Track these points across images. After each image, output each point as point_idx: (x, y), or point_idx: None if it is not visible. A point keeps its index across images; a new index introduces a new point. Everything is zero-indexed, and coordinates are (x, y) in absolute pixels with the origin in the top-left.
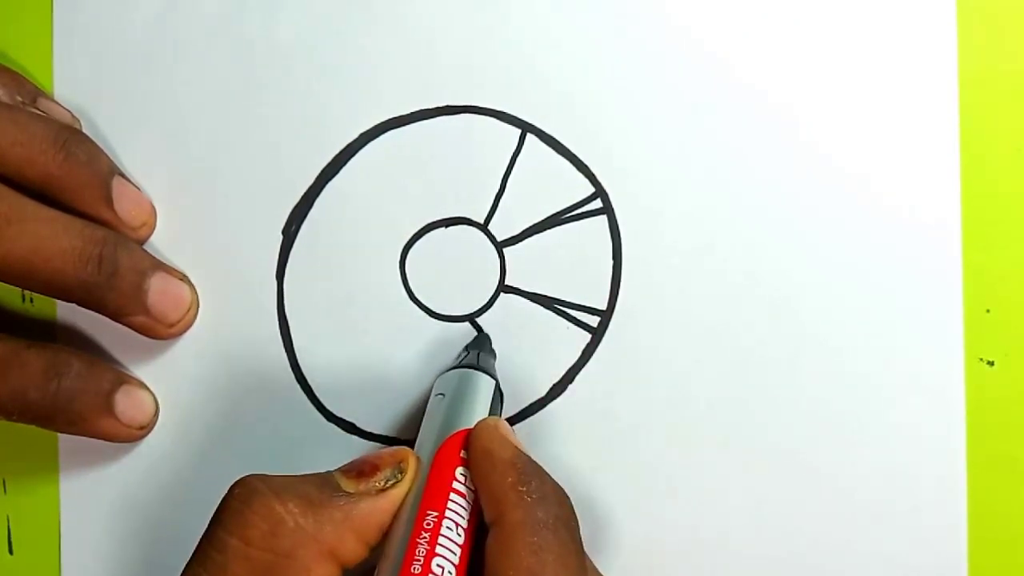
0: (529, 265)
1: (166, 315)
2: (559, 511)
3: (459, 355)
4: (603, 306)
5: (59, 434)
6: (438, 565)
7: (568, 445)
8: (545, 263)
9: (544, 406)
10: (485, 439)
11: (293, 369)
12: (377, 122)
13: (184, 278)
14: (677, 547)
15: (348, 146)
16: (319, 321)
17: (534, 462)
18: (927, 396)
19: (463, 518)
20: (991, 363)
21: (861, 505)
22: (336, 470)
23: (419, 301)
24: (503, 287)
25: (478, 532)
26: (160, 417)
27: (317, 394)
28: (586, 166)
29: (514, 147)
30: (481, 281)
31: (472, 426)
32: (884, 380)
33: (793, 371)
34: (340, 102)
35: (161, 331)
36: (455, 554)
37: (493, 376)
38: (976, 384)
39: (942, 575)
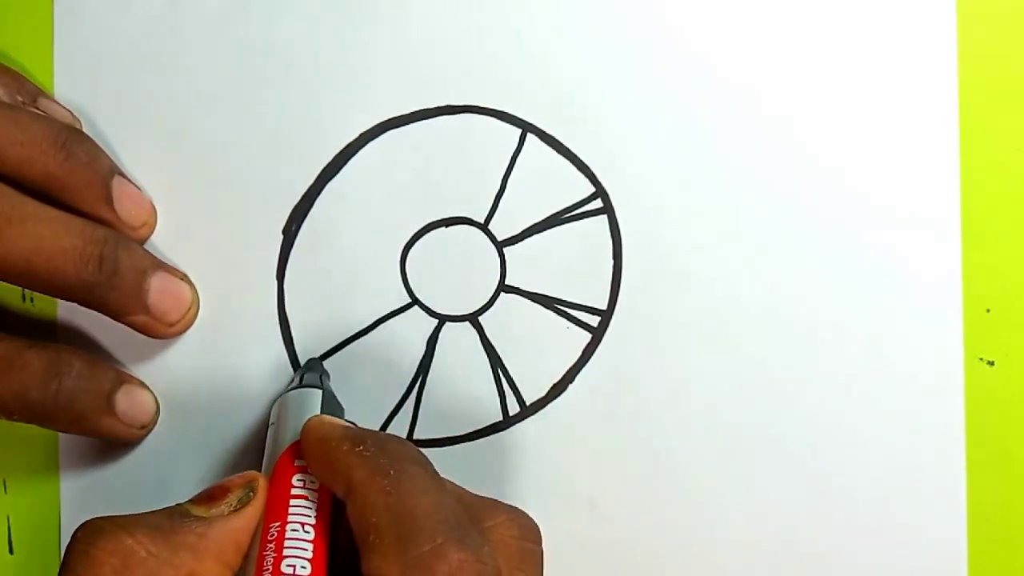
0: (529, 265)
1: (166, 314)
2: (403, 451)
3: (289, 383)
4: (603, 306)
5: (59, 434)
6: (288, 565)
7: (568, 445)
8: (545, 263)
9: (544, 406)
10: (314, 431)
11: (294, 369)
12: (377, 122)
13: (184, 277)
14: (677, 546)
15: (348, 146)
16: (319, 321)
17: (365, 428)
18: (927, 396)
19: (310, 516)
20: (991, 363)
21: (861, 505)
22: (185, 501)
23: (419, 301)
24: (503, 287)
25: (340, 521)
26: (160, 417)
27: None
28: (586, 166)
29: (514, 147)
30: (481, 281)
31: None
32: (884, 380)
33: (793, 371)
34: (340, 102)
35: (161, 330)
36: (307, 551)
37: (321, 387)
38: (976, 384)
39: (942, 575)
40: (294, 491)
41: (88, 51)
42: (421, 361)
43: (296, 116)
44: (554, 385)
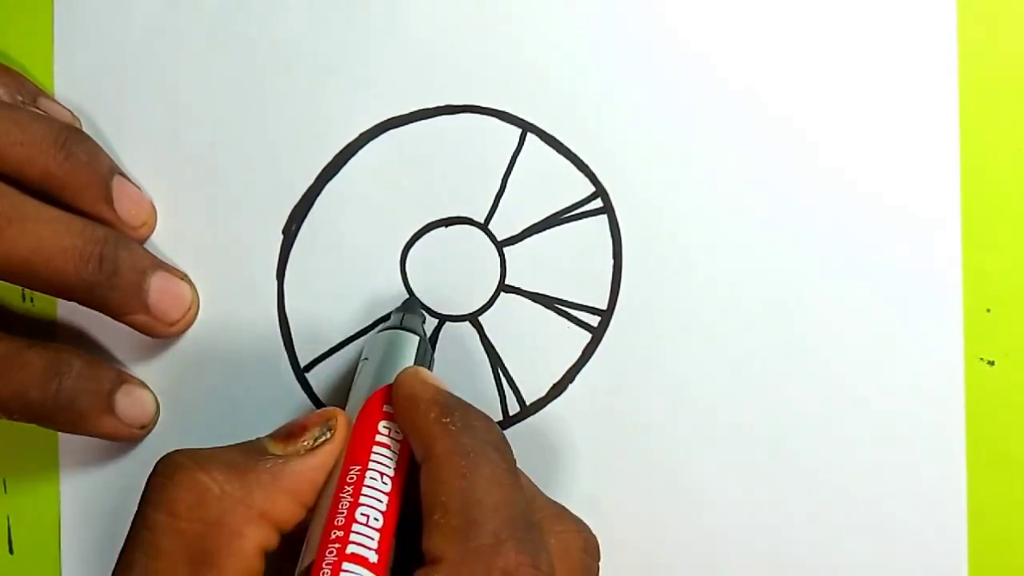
0: (529, 265)
1: (167, 314)
2: (487, 436)
3: (386, 319)
4: (603, 306)
5: (59, 434)
6: (362, 514)
7: (568, 445)
8: (545, 263)
9: (544, 406)
10: (407, 386)
11: (293, 369)
12: (377, 122)
13: (184, 277)
14: (677, 546)
15: (348, 146)
16: (319, 321)
17: (457, 397)
18: (927, 396)
19: (389, 467)
20: (991, 363)
21: (861, 505)
22: (265, 436)
23: (420, 301)
24: (503, 287)
25: (412, 479)
26: (160, 417)
27: (317, 393)
28: (586, 166)
29: (514, 147)
30: (481, 281)
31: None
32: (884, 380)
33: (793, 371)
34: (340, 102)
35: (162, 330)
36: (381, 502)
37: (418, 334)
38: (976, 384)
39: (942, 575)
40: (378, 438)
41: (88, 51)
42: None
43: (296, 116)
44: (554, 385)
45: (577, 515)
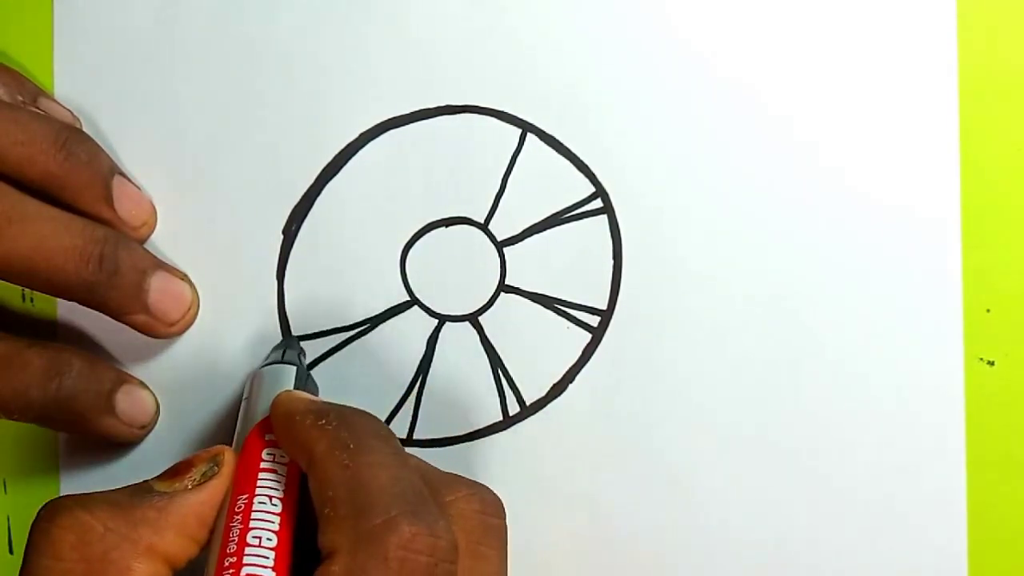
0: (529, 265)
1: (167, 314)
2: (366, 426)
3: (264, 359)
4: (603, 306)
5: (59, 434)
6: (255, 537)
7: (568, 445)
8: (545, 263)
9: (544, 406)
10: (282, 407)
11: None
12: (377, 122)
13: (185, 277)
14: (677, 546)
15: (348, 146)
16: (319, 321)
17: (331, 402)
18: (927, 396)
19: (278, 490)
20: (991, 363)
21: (861, 505)
22: (151, 478)
23: (419, 301)
24: (503, 287)
25: (306, 495)
26: (160, 417)
27: (318, 394)
28: (586, 166)
29: (514, 147)
30: (481, 281)
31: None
32: (884, 380)
33: (793, 371)
34: (340, 102)
35: (162, 330)
36: (273, 523)
37: (295, 363)
38: (976, 384)
39: (942, 575)
40: (263, 464)
41: (88, 51)
42: (421, 361)
43: (296, 116)
44: (554, 385)
45: (478, 482)
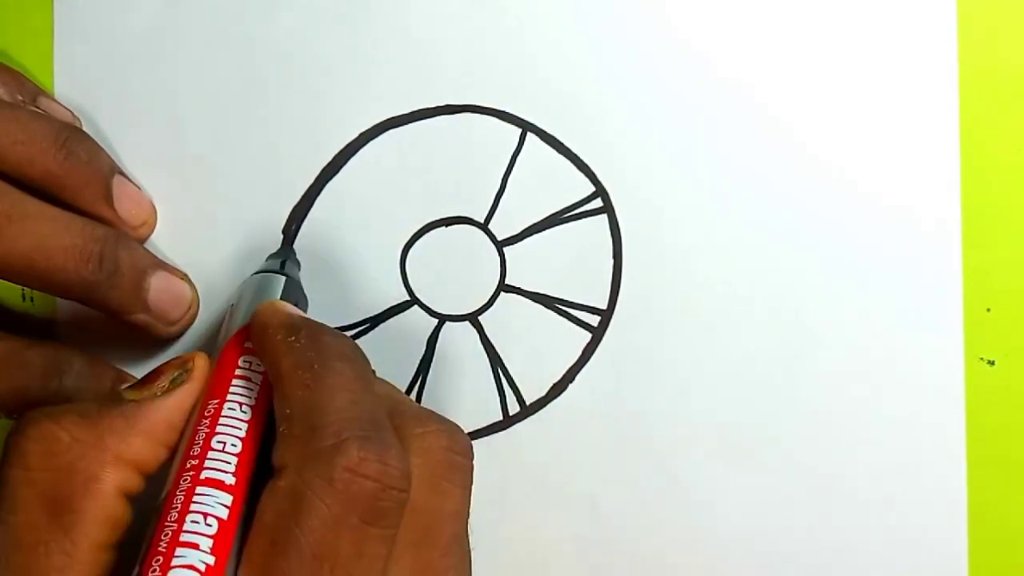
0: (529, 264)
1: (167, 313)
2: (334, 347)
3: (259, 267)
4: (603, 305)
5: None
6: (219, 442)
7: (568, 445)
8: (545, 262)
9: (544, 406)
10: (260, 316)
11: None
12: (377, 122)
13: (184, 277)
14: (678, 545)
15: (348, 146)
16: (319, 320)
17: (309, 318)
18: (927, 396)
19: (249, 398)
20: (991, 362)
21: (861, 504)
22: (122, 387)
23: (419, 300)
24: (503, 286)
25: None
26: None
27: (307, 308)
28: (586, 165)
29: (514, 146)
30: (481, 280)
31: None
32: (884, 380)
33: (793, 371)
34: (340, 102)
35: (161, 330)
36: (240, 430)
37: (287, 275)
38: (976, 384)
39: (942, 575)
40: (238, 371)
41: (88, 51)
42: (421, 361)
43: (296, 116)
44: (554, 385)
45: (451, 420)
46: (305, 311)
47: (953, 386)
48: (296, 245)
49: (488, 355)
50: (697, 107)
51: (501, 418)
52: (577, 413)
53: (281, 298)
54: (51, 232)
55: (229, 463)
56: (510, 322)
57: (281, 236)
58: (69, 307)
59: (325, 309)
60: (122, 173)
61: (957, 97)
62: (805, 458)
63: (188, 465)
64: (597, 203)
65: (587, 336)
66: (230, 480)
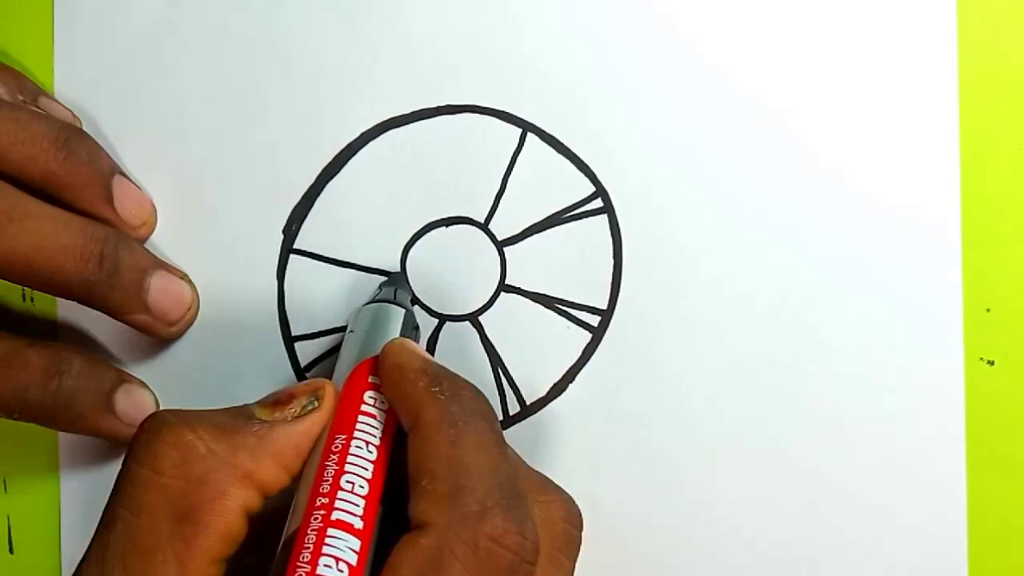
0: (529, 264)
1: (167, 314)
2: (475, 405)
3: (374, 293)
4: (603, 305)
5: (59, 434)
6: (348, 481)
7: (568, 445)
8: (545, 262)
9: (544, 406)
10: (394, 355)
11: (294, 369)
12: (377, 122)
13: (185, 277)
14: (677, 546)
15: (348, 146)
16: (319, 321)
17: (445, 367)
18: (927, 396)
19: (375, 437)
20: (991, 362)
21: (861, 504)
22: (253, 403)
23: (420, 300)
24: (503, 286)
25: (398, 447)
26: None
27: (420, 340)
28: (586, 165)
29: (514, 146)
30: (481, 280)
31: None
32: (884, 380)
33: (793, 371)
34: (340, 102)
35: (162, 330)
36: (367, 470)
37: (406, 307)
38: (976, 383)
39: (942, 575)
40: (364, 407)
41: (88, 51)
42: None
43: (296, 116)
44: (554, 385)
45: (564, 490)
46: (417, 342)
47: (953, 386)
48: (296, 245)
49: (488, 355)
50: (697, 107)
51: (501, 418)
52: (577, 413)
53: (401, 334)
54: (51, 232)
55: (358, 506)
56: (510, 322)
57: (281, 236)
58: (69, 307)
59: (325, 309)
60: (122, 173)
61: (957, 97)
62: (805, 458)
63: (319, 503)
64: (597, 203)
65: (587, 336)
66: (359, 524)
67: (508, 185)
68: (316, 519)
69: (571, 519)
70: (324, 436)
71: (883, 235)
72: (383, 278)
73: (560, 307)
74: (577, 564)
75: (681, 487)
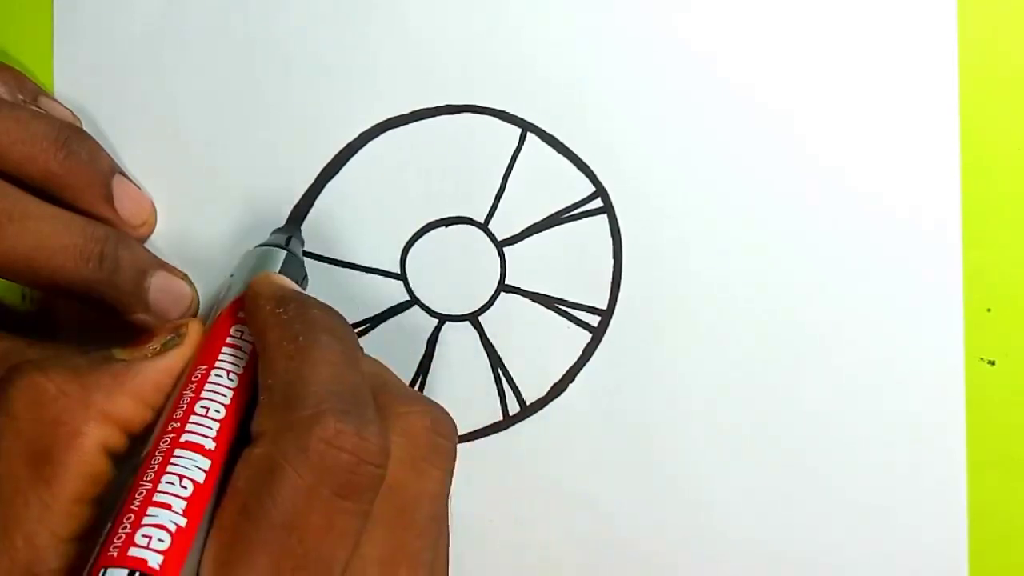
0: (529, 264)
1: (167, 313)
2: (321, 322)
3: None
4: (603, 305)
5: None
6: (202, 407)
7: (568, 445)
8: (545, 262)
9: (544, 406)
10: (254, 288)
11: None
12: (377, 121)
13: (184, 277)
14: (677, 546)
15: (348, 146)
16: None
17: (300, 291)
18: (927, 396)
19: (237, 367)
20: (991, 362)
21: (861, 504)
22: (114, 347)
23: (419, 301)
24: (503, 286)
25: None
26: None
27: (306, 285)
28: (586, 165)
29: (514, 146)
30: (481, 280)
31: None
32: (884, 380)
33: (793, 371)
34: (340, 102)
35: None
36: (225, 396)
37: (288, 249)
38: (976, 384)
39: (942, 575)
40: (229, 340)
41: (88, 51)
42: (421, 361)
43: (296, 116)
44: (554, 385)
45: (437, 403)
46: (304, 288)
47: (953, 386)
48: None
49: (488, 355)
50: (697, 107)
51: (501, 418)
52: (577, 413)
53: (280, 272)
54: (51, 231)
55: (210, 428)
56: (510, 322)
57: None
58: (69, 307)
59: None
60: (122, 173)
61: (957, 97)
62: (805, 458)
63: (169, 428)
64: (597, 203)
65: (587, 336)
66: (210, 445)
67: (508, 185)
68: (165, 442)
69: (438, 428)
70: (187, 370)
71: (883, 235)
72: (383, 278)
73: (560, 307)
74: (577, 564)
75: (681, 487)
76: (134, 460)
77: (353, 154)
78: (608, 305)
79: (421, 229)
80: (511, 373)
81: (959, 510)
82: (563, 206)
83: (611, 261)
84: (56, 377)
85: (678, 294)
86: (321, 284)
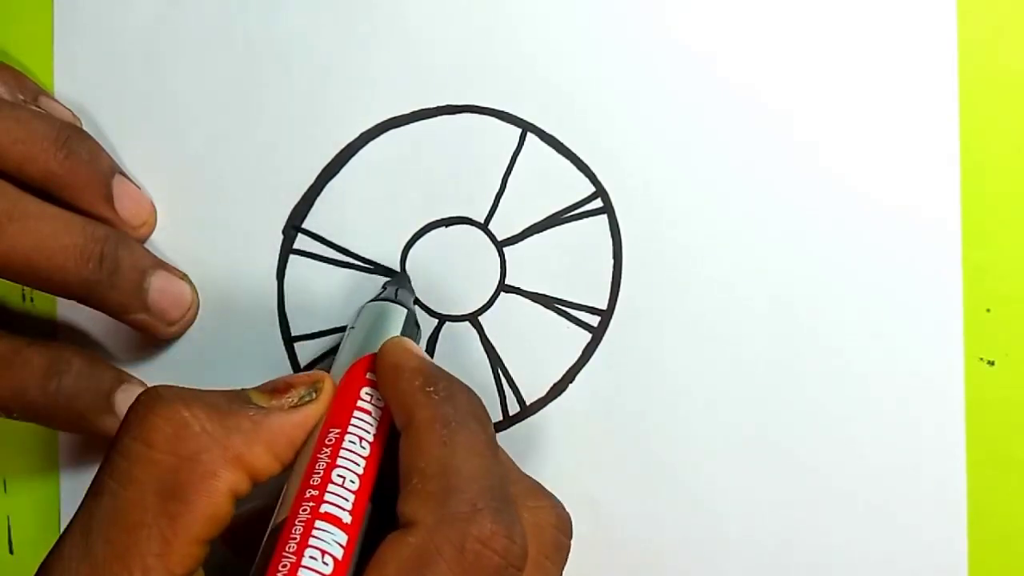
0: (529, 265)
1: (166, 313)
2: (469, 407)
3: (378, 292)
4: (603, 306)
5: (59, 433)
6: (339, 476)
7: (568, 445)
8: (545, 263)
9: (544, 406)
10: (392, 354)
11: (293, 369)
12: (377, 122)
13: (184, 277)
14: (677, 546)
15: (348, 146)
16: (319, 321)
17: (441, 368)
18: (927, 396)
19: (369, 433)
20: (991, 363)
21: (861, 505)
22: (251, 388)
23: (420, 301)
24: (503, 287)
25: (391, 446)
26: None
27: (420, 340)
28: (586, 165)
29: (514, 146)
30: (481, 281)
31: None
32: (884, 380)
33: (793, 371)
34: (340, 102)
35: (161, 330)
36: (359, 465)
37: (408, 307)
38: (976, 384)
39: (942, 575)
40: (360, 403)
41: (88, 51)
42: None
43: (296, 116)
44: (554, 385)
45: (554, 496)
46: (418, 342)
47: (953, 386)
48: (296, 245)
49: (488, 355)
50: (697, 107)
51: (501, 418)
52: (577, 413)
53: (403, 333)
54: (51, 232)
55: (347, 500)
56: (510, 322)
57: (281, 236)
58: (69, 307)
59: (325, 309)
60: (122, 173)
61: (957, 97)
62: (805, 458)
63: (308, 495)
64: (597, 203)
65: (587, 336)
66: (347, 519)
67: (508, 185)
68: (305, 511)
69: (560, 526)
70: (318, 429)
71: (883, 235)
72: (384, 278)
73: (560, 307)
74: (577, 564)
75: (681, 487)
76: (269, 521)
77: (353, 154)
78: (608, 305)
79: (421, 229)
80: (511, 373)
81: (959, 510)
82: (563, 206)
83: (611, 261)
84: (199, 413)
85: (678, 294)
86: (321, 284)
